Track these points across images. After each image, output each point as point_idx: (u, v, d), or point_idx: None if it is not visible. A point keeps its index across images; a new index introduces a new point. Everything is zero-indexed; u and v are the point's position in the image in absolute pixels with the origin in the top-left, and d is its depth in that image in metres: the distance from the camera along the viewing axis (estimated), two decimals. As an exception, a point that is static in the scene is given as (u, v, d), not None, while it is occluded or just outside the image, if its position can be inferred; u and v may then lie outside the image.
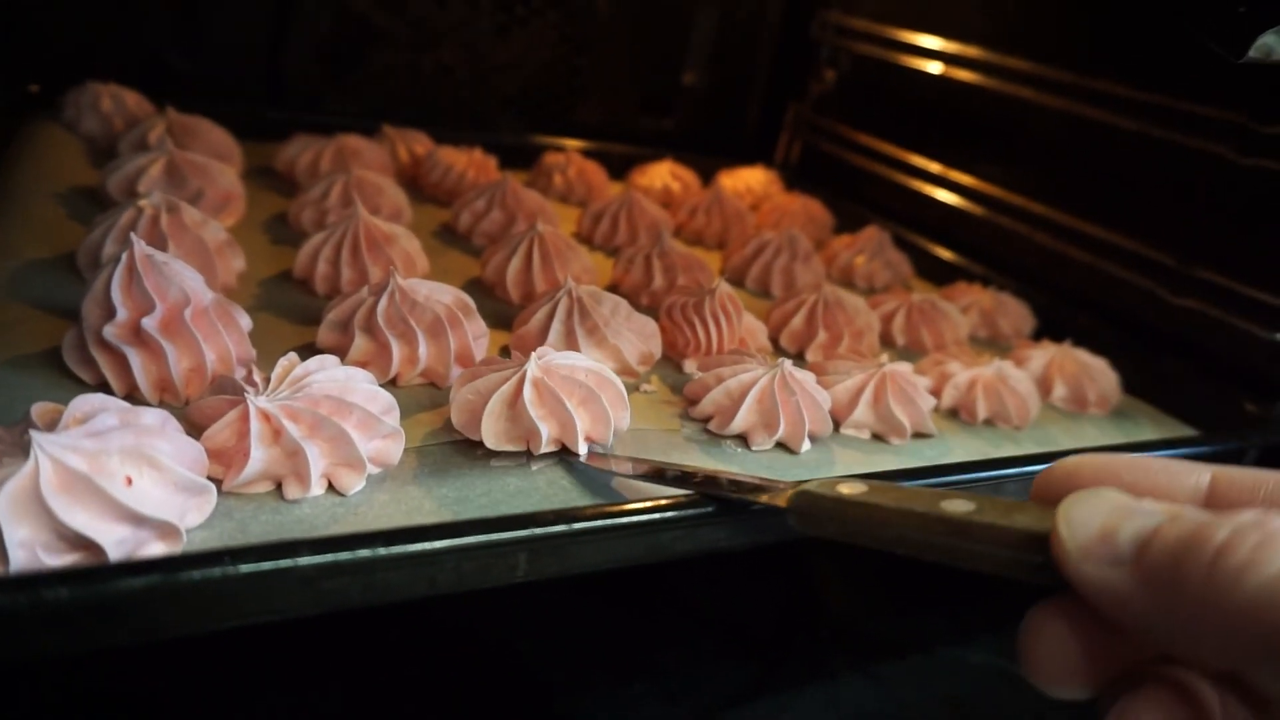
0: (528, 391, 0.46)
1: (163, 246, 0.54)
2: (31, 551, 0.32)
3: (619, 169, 1.07)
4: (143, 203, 0.56)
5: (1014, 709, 0.62)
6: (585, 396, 0.47)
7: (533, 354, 0.47)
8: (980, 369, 0.66)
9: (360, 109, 1.02)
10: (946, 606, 0.71)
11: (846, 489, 0.33)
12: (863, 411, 0.59)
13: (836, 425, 0.59)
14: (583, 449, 0.47)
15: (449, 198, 0.87)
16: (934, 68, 1.05)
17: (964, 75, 1.01)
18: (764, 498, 0.38)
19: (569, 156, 1.01)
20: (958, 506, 0.29)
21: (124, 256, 0.46)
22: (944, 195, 1.04)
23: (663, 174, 1.06)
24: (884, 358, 0.62)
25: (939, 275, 0.95)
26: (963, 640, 0.68)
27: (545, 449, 0.47)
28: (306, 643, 0.51)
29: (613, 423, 0.48)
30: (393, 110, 1.00)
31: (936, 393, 0.65)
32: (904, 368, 0.62)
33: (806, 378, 0.57)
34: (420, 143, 0.94)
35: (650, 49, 1.20)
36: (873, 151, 1.13)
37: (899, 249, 0.95)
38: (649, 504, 0.39)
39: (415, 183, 0.90)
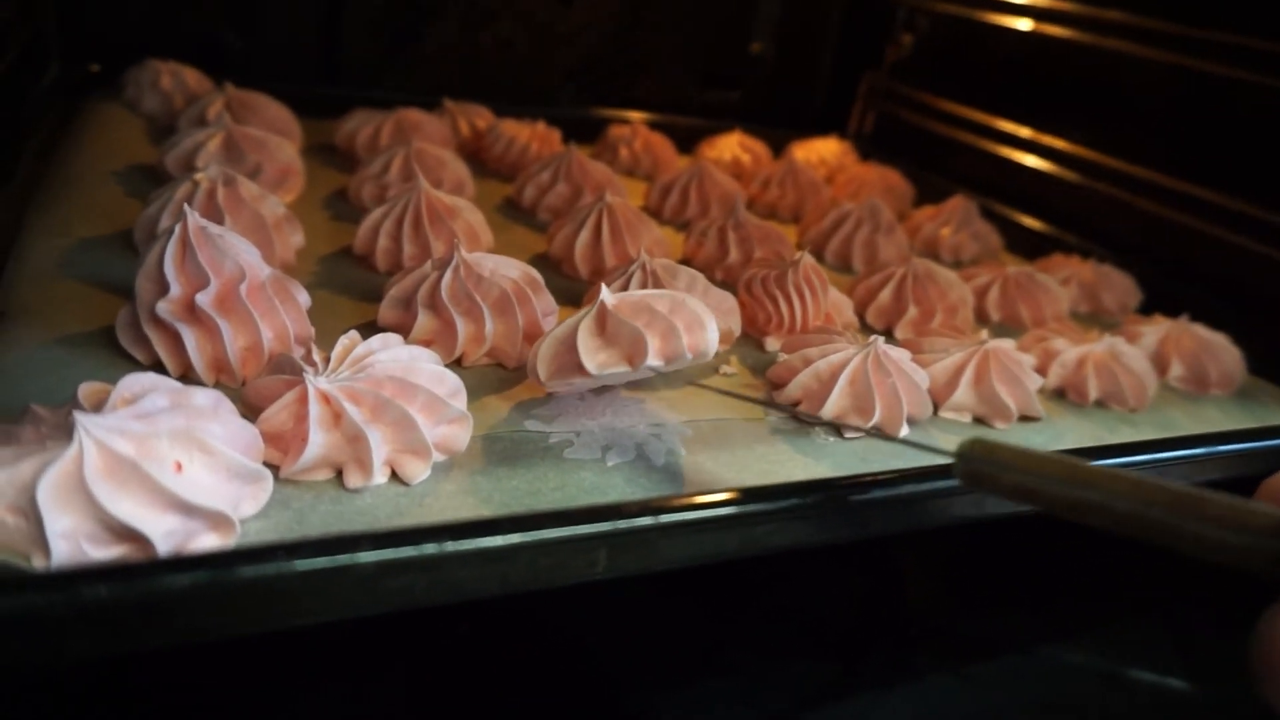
0: (614, 308, 0.44)
1: (219, 221, 0.51)
2: (75, 543, 0.29)
3: (685, 143, 1.03)
4: (199, 176, 0.54)
5: (1118, 714, 0.57)
6: (674, 306, 0.44)
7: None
8: (1090, 346, 0.60)
9: (418, 86, 0.99)
10: (1041, 603, 0.66)
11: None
12: (964, 393, 0.54)
13: (935, 408, 0.54)
14: (686, 359, 0.44)
15: (511, 172, 0.84)
16: (1023, 24, 0.98)
17: (1056, 31, 0.94)
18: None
19: (635, 129, 0.97)
20: (1181, 487, 0.25)
21: (177, 229, 0.43)
22: (1034, 162, 0.97)
23: (732, 146, 1.01)
24: (984, 334, 0.57)
25: (1030, 248, 0.89)
26: (1059, 639, 0.63)
27: (654, 360, 0.43)
28: (366, 635, 0.48)
29: (709, 328, 0.45)
30: (451, 87, 0.97)
31: (1041, 372, 0.59)
32: (1007, 344, 0.56)
33: (901, 356, 0.52)
34: (481, 116, 0.91)
35: (716, 18, 1.15)
36: (955, 118, 1.07)
37: (986, 220, 0.89)
38: (742, 494, 0.35)
39: (477, 157, 0.87)
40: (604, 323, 0.44)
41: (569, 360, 0.43)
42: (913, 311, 0.65)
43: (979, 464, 0.30)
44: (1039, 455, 0.29)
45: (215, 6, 0.90)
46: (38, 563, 0.29)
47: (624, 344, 0.44)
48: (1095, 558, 0.70)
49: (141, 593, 0.25)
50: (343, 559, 0.28)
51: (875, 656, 0.58)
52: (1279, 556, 0.22)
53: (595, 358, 0.43)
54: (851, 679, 0.55)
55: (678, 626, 0.57)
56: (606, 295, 0.45)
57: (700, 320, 0.44)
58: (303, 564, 0.27)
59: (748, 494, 0.35)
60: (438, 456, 0.40)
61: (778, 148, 1.05)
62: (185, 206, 0.44)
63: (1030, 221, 0.93)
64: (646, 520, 0.33)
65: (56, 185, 0.60)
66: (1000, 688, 0.57)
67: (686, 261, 0.70)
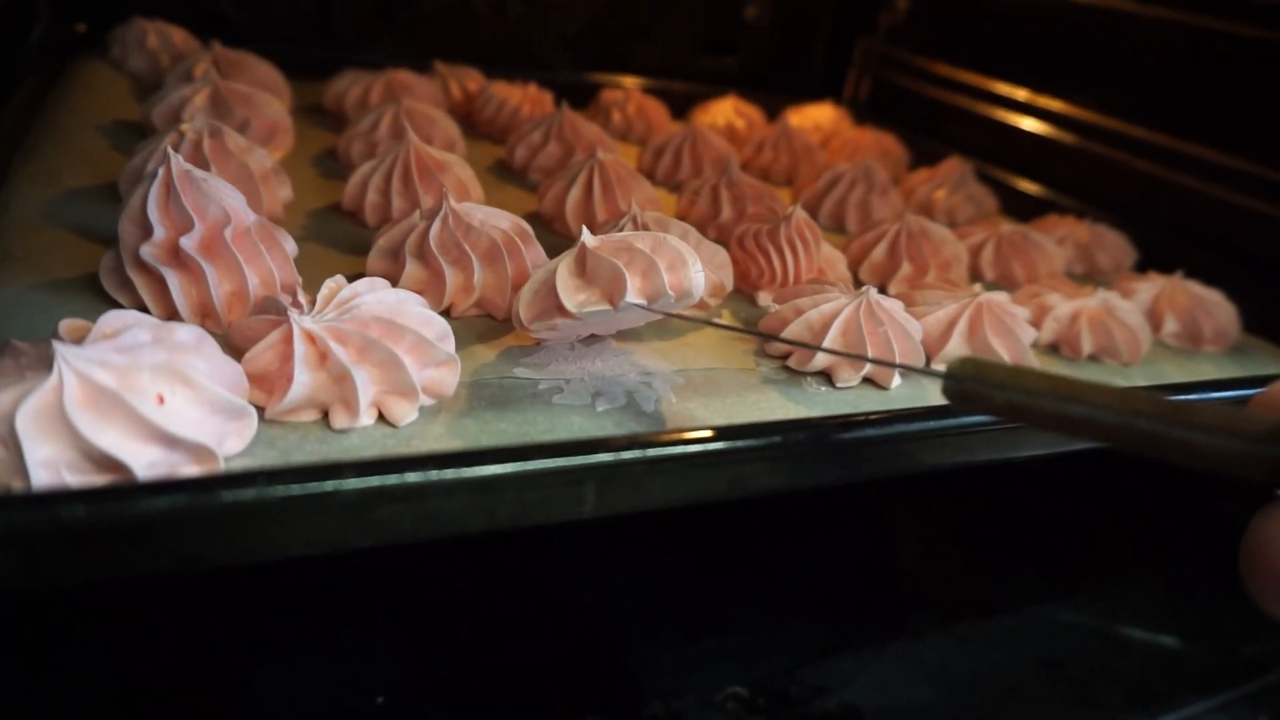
0: (593, 249, 0.43)
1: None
2: (55, 471, 0.29)
3: (679, 108, 1.02)
4: (184, 126, 0.53)
5: (1112, 671, 0.57)
6: (654, 243, 0.44)
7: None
8: (1084, 300, 0.60)
9: (412, 49, 0.98)
10: (1036, 562, 0.66)
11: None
12: (956, 344, 0.54)
13: (928, 360, 0.54)
14: (669, 299, 0.44)
15: (502, 134, 0.83)
16: (1019, -14, 0.98)
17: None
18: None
19: (628, 93, 0.96)
20: (1168, 399, 0.25)
21: (160, 172, 0.42)
22: (1031, 124, 0.97)
23: (726, 111, 1.00)
24: (977, 287, 0.56)
25: (1026, 211, 0.88)
26: (1054, 598, 0.63)
27: (632, 298, 0.43)
28: (362, 588, 0.48)
29: (691, 266, 0.44)
30: (444, 50, 0.96)
31: (1035, 326, 0.59)
32: (1000, 297, 0.56)
33: (894, 306, 0.52)
34: (472, 79, 0.90)
35: (711, -18, 1.14)
36: (950, 82, 1.06)
37: (982, 184, 0.88)
38: (732, 430, 0.35)
39: (468, 119, 0.86)
40: (584, 262, 0.44)
41: (550, 302, 0.43)
42: (906, 268, 0.65)
43: (969, 383, 0.30)
44: (1028, 372, 0.29)
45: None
46: (16, 489, 0.28)
47: (603, 282, 0.43)
48: (1089, 517, 0.70)
49: (120, 515, 0.25)
50: (327, 485, 0.28)
51: (871, 616, 0.58)
52: (1274, 461, 0.21)
53: (575, 297, 0.43)
54: (848, 638, 0.55)
55: (675, 585, 0.57)
56: (587, 236, 0.44)
57: (682, 258, 0.44)
58: (284, 489, 0.27)
59: (736, 431, 0.35)
60: (425, 400, 0.39)
61: (773, 114, 1.04)
62: (169, 149, 0.43)
63: (1026, 185, 0.93)
64: (634, 454, 0.32)
65: (42, 138, 0.60)
66: (995, 647, 0.57)
67: (680, 219, 0.70)
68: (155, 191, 0.42)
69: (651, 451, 0.33)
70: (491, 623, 0.50)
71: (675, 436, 0.34)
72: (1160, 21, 0.84)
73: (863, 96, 1.20)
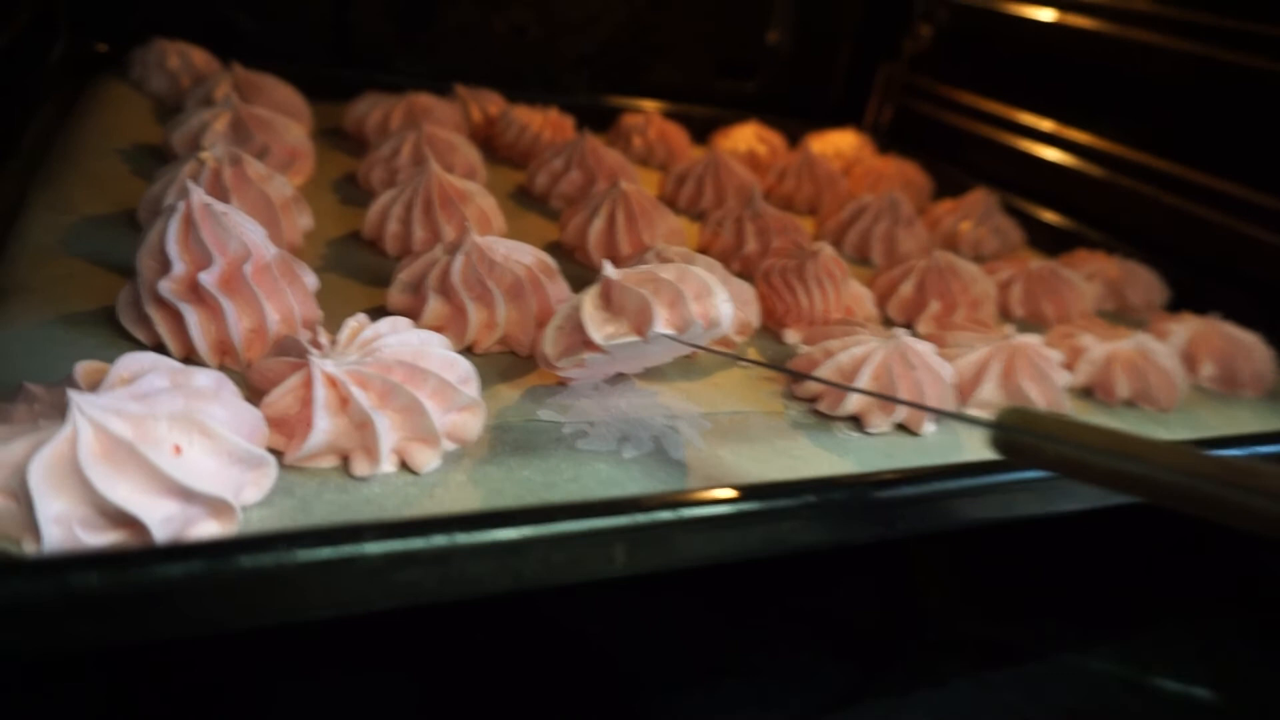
0: (617, 280, 0.42)
1: (225, 200, 0.50)
2: (68, 528, 0.28)
3: (699, 133, 1.01)
4: (204, 154, 0.52)
5: (1139, 722, 0.56)
6: (680, 274, 0.43)
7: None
8: (1118, 343, 0.59)
9: (430, 70, 0.98)
10: (1066, 608, 0.64)
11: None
12: (990, 389, 0.52)
13: (960, 404, 0.52)
14: (698, 328, 0.42)
15: (523, 159, 0.82)
16: (1046, 15, 0.96)
17: (1080, 21, 0.92)
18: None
19: (648, 118, 0.95)
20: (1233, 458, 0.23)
21: (180, 206, 0.41)
22: (1057, 156, 0.95)
23: (747, 137, 0.99)
24: (1009, 329, 0.55)
25: (1052, 243, 0.87)
26: (1085, 646, 0.61)
27: (660, 329, 0.41)
28: (378, 632, 0.47)
29: (718, 296, 0.43)
30: (463, 72, 0.95)
31: (1068, 369, 0.58)
32: (1033, 339, 0.55)
33: (926, 349, 0.50)
34: (493, 102, 0.90)
35: (732, 6, 1.13)
36: (975, 111, 1.05)
37: (1007, 215, 0.87)
38: (767, 489, 0.34)
39: (488, 144, 0.85)
40: (609, 295, 0.43)
41: (576, 337, 0.42)
42: (935, 305, 0.64)
43: (1019, 434, 0.28)
44: (1082, 425, 0.27)
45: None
46: (28, 548, 0.27)
47: (630, 313, 0.42)
48: (1121, 563, 0.68)
49: (135, 582, 0.24)
50: (347, 550, 0.26)
51: (896, 661, 0.57)
52: None
53: (602, 329, 0.42)
54: (872, 683, 0.54)
55: (696, 627, 0.55)
56: (610, 270, 0.43)
57: (708, 288, 0.43)
58: (305, 554, 0.26)
59: (773, 489, 0.34)
60: (448, 445, 0.38)
61: (793, 139, 1.03)
62: (189, 182, 0.42)
63: (1051, 217, 0.91)
64: (667, 514, 0.31)
65: (60, 162, 0.59)
66: (1023, 694, 0.55)
67: (702, 251, 0.69)
68: (174, 226, 0.41)
69: (685, 512, 0.32)
70: (510, 666, 0.48)
71: (708, 496, 0.33)
72: (1191, 56, 0.82)
73: (884, 123, 1.19)
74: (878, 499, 0.36)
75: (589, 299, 0.43)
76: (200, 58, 0.78)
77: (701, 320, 0.42)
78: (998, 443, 0.30)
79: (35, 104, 0.64)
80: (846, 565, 0.63)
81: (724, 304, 0.43)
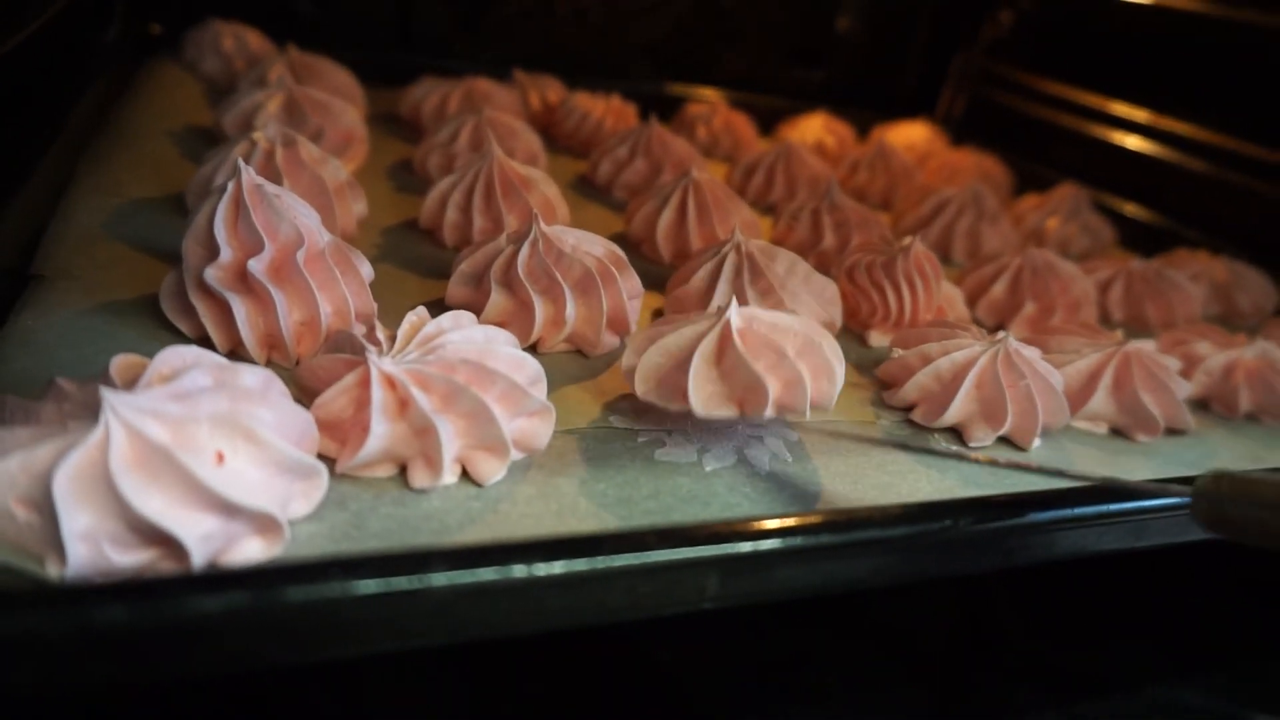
0: (738, 343, 0.37)
1: (277, 184, 0.47)
2: (95, 545, 0.25)
3: (764, 122, 0.97)
4: (256, 135, 0.49)
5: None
6: (803, 346, 0.38)
7: (729, 305, 0.39)
8: (1238, 351, 0.53)
9: (489, 56, 0.95)
10: (1155, 637, 0.59)
11: None
12: (1101, 400, 0.47)
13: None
14: (807, 413, 0.38)
15: (584, 148, 0.79)
16: (1143, -1, 0.90)
17: (1181, 2, 0.86)
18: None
19: (714, 107, 0.90)
20: None
21: (230, 187, 0.38)
22: (1151, 148, 0.89)
23: (816, 128, 0.95)
24: (1119, 334, 0.50)
25: (1146, 243, 0.81)
26: (1175, 678, 0.56)
27: (769, 412, 0.37)
28: (429, 653, 0.43)
29: (838, 379, 0.39)
30: (523, 57, 0.92)
31: (1183, 378, 0.52)
32: (1148, 346, 0.50)
33: (1034, 355, 0.46)
34: (553, 89, 0.86)
35: (801, -9, 1.09)
36: (1060, 101, 0.99)
37: (1097, 212, 0.81)
38: (881, 516, 0.29)
39: (548, 132, 0.81)
40: (724, 351, 0.38)
41: (675, 383, 0.38)
42: (1030, 307, 0.59)
43: (1227, 504, 0.24)
44: None
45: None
46: (52, 569, 0.24)
47: (739, 386, 0.37)
48: (1214, 590, 0.63)
49: (166, 617, 0.21)
50: (410, 582, 0.23)
51: (973, 689, 0.53)
52: None
53: (703, 390, 0.37)
54: (948, 712, 0.50)
55: (762, 644, 0.51)
56: (734, 314, 0.38)
57: (830, 368, 0.38)
58: (365, 587, 0.22)
59: (887, 516, 0.30)
60: (514, 454, 0.34)
61: (861, 130, 0.98)
62: (239, 162, 0.39)
63: (1142, 213, 0.85)
64: (774, 544, 0.27)
65: (109, 143, 0.57)
66: (1110, 729, 0.51)
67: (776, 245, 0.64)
68: (223, 208, 0.38)
69: (790, 541, 0.28)
70: (569, 687, 0.45)
71: (814, 522, 0.29)
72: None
73: (956, 114, 1.13)
74: (1003, 528, 0.31)
75: (703, 352, 0.38)
76: (255, 40, 0.76)
77: (813, 405, 0.38)
78: (1201, 514, 0.26)
79: (87, 83, 0.61)
80: (921, 587, 0.59)
81: (839, 384, 0.39)
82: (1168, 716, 0.53)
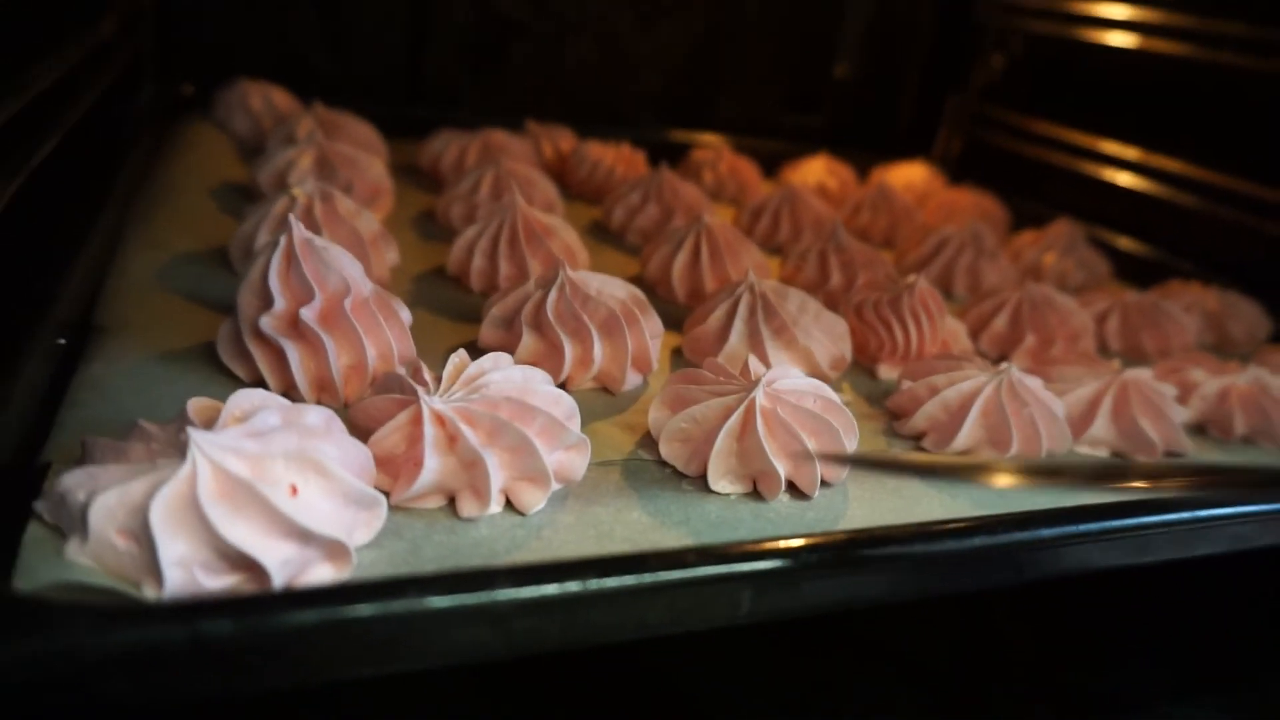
0: (760, 426, 0.39)
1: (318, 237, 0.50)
2: (188, 571, 0.27)
3: (765, 165, 1.00)
4: (296, 191, 0.52)
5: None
6: (818, 427, 0.40)
7: (758, 378, 0.41)
8: (1232, 377, 0.56)
9: (499, 105, 0.99)
10: (1168, 656, 0.60)
11: None
12: (1102, 426, 0.50)
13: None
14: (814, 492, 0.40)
15: (596, 194, 0.82)
16: (1127, 41, 0.94)
17: (1165, 47, 0.90)
18: None
19: (719, 152, 0.94)
20: None
21: (282, 241, 0.41)
22: (1141, 184, 0.92)
23: (818, 170, 0.98)
24: (1116, 364, 0.52)
25: (1139, 275, 0.84)
26: (1188, 698, 0.57)
27: (781, 494, 0.39)
28: (451, 671, 0.45)
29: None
30: (529, 107, 0.96)
31: (1180, 404, 0.55)
32: (1145, 374, 0.52)
33: (1036, 384, 0.48)
34: (565, 139, 0.90)
35: (799, 39, 1.13)
36: (1052, 141, 1.02)
37: (1092, 246, 0.84)
38: (903, 534, 0.32)
39: (561, 180, 0.85)
40: (747, 429, 0.40)
41: (698, 452, 0.40)
42: (1030, 339, 0.61)
43: None
44: None
45: (305, 28, 0.90)
46: (149, 592, 0.26)
47: (755, 468, 0.40)
48: (1226, 609, 0.64)
49: (267, 629, 0.23)
50: (479, 598, 0.25)
51: (981, 708, 0.54)
52: None
53: (723, 464, 0.39)
54: (954, 731, 0.51)
55: (771, 660, 0.53)
56: (761, 394, 0.40)
57: (842, 450, 0.41)
58: (439, 602, 0.24)
59: (906, 534, 0.32)
60: (554, 485, 0.37)
61: (860, 172, 1.02)
62: (290, 218, 0.42)
63: (1136, 247, 0.88)
64: (801, 560, 0.29)
65: (153, 200, 0.60)
66: (1124, 749, 0.52)
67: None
68: (276, 261, 0.41)
69: (816, 557, 0.30)
70: (583, 703, 0.46)
71: (834, 539, 0.31)
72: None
73: (953, 155, 1.17)
74: (1013, 543, 0.33)
75: (729, 431, 0.39)
76: (281, 99, 0.80)
77: (821, 479, 0.40)
78: None
79: (128, 144, 0.65)
80: (929, 605, 0.61)
81: (848, 466, 0.41)
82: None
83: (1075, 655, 0.61)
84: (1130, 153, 0.94)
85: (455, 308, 0.55)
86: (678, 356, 0.55)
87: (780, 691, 0.51)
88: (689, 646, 0.51)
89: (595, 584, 0.27)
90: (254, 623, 0.23)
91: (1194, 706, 0.56)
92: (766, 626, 0.52)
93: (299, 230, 0.42)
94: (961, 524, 0.33)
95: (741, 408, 0.39)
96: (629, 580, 0.27)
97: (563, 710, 0.45)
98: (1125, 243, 0.90)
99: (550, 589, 0.26)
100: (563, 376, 0.46)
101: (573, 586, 0.26)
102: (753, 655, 0.52)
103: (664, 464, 0.41)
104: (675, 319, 0.58)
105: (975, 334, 0.63)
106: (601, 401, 0.47)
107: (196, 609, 0.22)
